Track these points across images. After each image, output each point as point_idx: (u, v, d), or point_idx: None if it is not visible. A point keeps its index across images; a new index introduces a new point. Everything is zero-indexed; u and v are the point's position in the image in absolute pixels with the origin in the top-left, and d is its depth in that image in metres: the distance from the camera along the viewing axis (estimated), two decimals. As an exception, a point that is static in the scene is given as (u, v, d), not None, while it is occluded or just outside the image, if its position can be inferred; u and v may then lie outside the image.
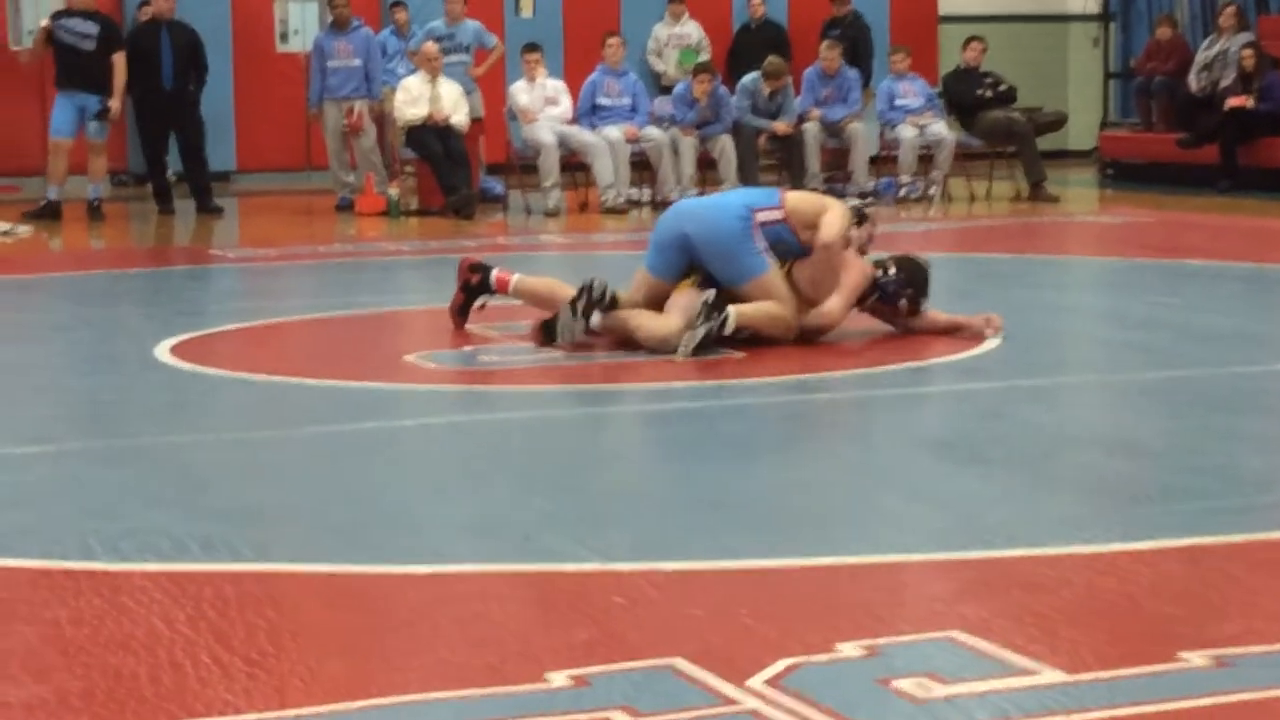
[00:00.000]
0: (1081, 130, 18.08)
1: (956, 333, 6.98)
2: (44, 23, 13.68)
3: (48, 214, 13.11)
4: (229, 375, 6.39)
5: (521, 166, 14.10)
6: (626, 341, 6.75)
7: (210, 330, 7.57)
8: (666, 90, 15.31)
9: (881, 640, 3.23)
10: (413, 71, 13.87)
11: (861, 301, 7.02)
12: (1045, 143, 15.32)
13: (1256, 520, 4.15)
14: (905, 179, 14.43)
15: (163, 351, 6.83)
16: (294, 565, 3.88)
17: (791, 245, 6.89)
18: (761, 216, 6.86)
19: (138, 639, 3.29)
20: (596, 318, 6.70)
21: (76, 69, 13.22)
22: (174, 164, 14.26)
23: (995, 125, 14.48)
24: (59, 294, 9.29)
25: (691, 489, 4.64)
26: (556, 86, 14.07)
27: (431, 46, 13.67)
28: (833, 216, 6.87)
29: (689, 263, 6.88)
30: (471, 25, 14.37)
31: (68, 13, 13.50)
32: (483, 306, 7.30)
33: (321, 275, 10.18)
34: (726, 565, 3.79)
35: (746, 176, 13.86)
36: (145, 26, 14.00)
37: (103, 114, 13.26)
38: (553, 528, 4.11)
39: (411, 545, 4.01)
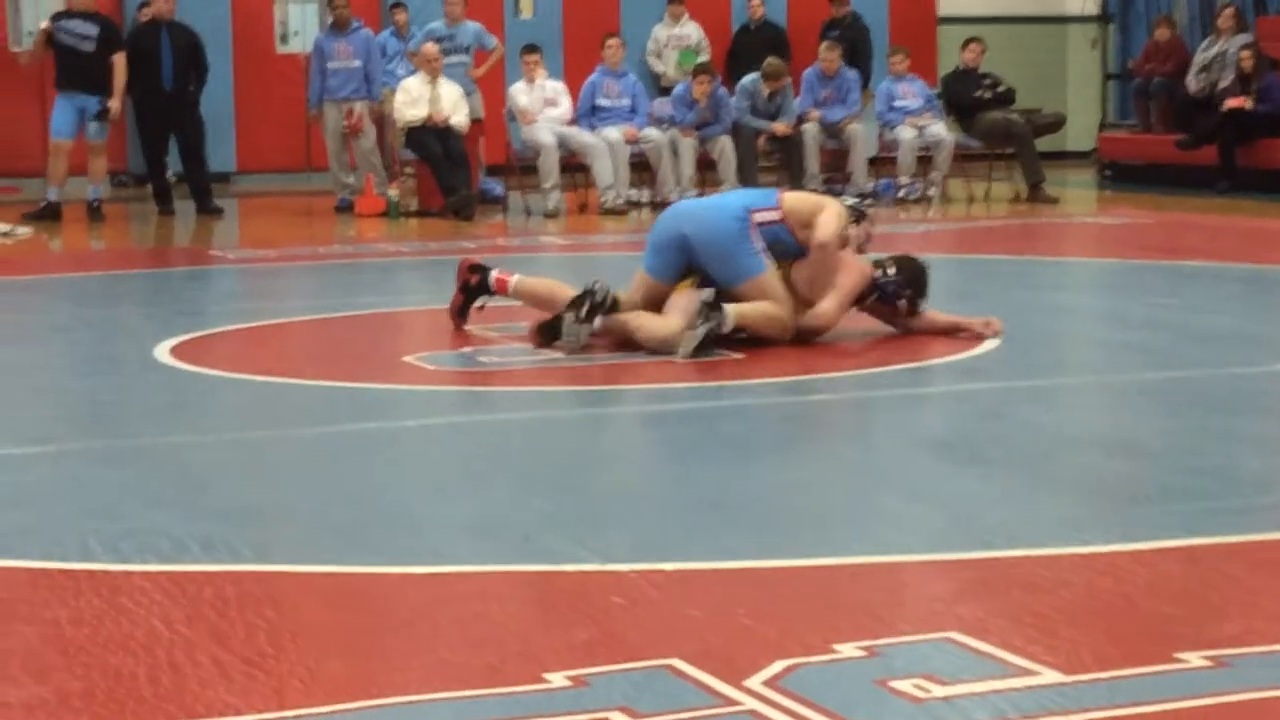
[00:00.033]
0: (1080, 131, 18.09)
1: (956, 333, 6.99)
2: (44, 24, 13.69)
3: (48, 215, 13.11)
4: (229, 376, 6.39)
5: (521, 168, 14.10)
6: (626, 342, 6.76)
7: (210, 331, 7.57)
8: (666, 91, 15.31)
9: (880, 641, 3.23)
10: (412, 73, 13.87)
11: (861, 301, 7.02)
12: (1044, 144, 15.33)
13: (1255, 521, 4.15)
14: (904, 180, 14.43)
15: (163, 352, 6.83)
16: (294, 565, 3.88)
17: (789, 245, 6.90)
18: (759, 217, 6.86)
19: (137, 639, 3.29)
20: (599, 321, 6.71)
21: (76, 70, 13.22)
22: (174, 165, 14.26)
23: (994, 126, 14.48)
24: (59, 295, 9.29)
25: (691, 489, 4.64)
26: (556, 88, 14.07)
27: (431, 47, 13.66)
28: (828, 216, 6.87)
29: (687, 264, 6.88)
30: (471, 26, 14.37)
31: (67, 14, 13.50)
32: (482, 307, 7.30)
33: (321, 276, 10.18)
34: (726, 566, 3.79)
35: (746, 177, 13.86)
36: (145, 27, 14.00)
37: (102, 115, 13.26)
38: (552, 528, 4.11)
39: (411, 545, 4.01)
